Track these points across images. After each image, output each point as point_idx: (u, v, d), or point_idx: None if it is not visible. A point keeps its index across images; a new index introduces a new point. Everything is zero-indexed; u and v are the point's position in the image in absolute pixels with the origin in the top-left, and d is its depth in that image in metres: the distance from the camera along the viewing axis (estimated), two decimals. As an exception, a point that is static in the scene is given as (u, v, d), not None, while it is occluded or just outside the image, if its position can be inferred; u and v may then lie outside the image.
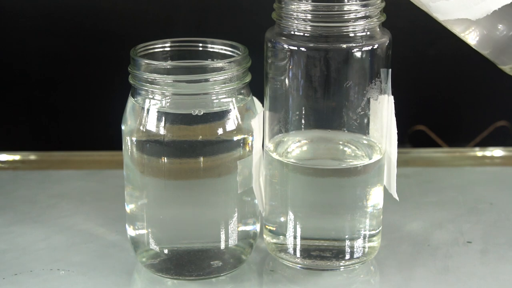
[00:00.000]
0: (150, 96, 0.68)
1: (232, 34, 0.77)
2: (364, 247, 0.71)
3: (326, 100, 0.68)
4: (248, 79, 0.70)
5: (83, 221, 0.82)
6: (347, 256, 0.71)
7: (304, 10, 0.66)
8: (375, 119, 0.69)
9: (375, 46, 0.67)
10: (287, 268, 0.73)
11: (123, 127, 0.70)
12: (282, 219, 0.71)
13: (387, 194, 0.73)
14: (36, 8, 0.99)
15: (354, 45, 0.67)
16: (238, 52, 0.71)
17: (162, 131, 0.67)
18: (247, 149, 0.70)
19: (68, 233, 0.80)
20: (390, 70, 0.69)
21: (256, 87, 0.72)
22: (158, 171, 0.68)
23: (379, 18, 0.68)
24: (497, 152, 1.00)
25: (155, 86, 0.67)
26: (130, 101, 0.70)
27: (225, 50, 0.72)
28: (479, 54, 1.04)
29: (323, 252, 0.71)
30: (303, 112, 0.69)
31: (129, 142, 0.70)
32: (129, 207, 0.72)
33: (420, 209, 0.85)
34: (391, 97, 0.70)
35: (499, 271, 0.73)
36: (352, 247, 0.71)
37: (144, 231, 0.71)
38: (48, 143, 1.04)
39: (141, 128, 0.68)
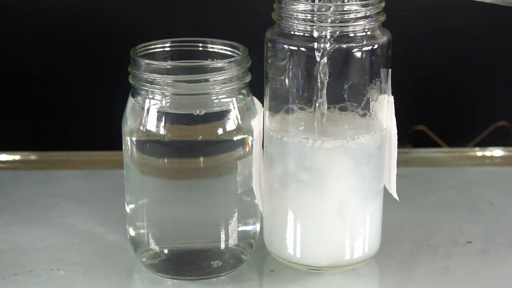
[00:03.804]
0: (150, 96, 0.68)
1: (232, 34, 0.77)
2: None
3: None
4: (248, 79, 0.70)
5: (83, 221, 0.82)
6: None
7: (304, 10, 0.66)
8: (375, 119, 0.69)
9: (375, 46, 0.67)
10: (287, 268, 0.73)
11: (123, 127, 0.70)
12: None
13: (387, 194, 0.73)
14: (36, 8, 0.99)
15: (354, 45, 0.67)
16: (238, 52, 0.71)
17: (162, 131, 0.67)
18: (247, 149, 0.70)
19: (68, 233, 0.80)
20: (390, 70, 0.69)
21: (256, 87, 0.72)
22: (158, 171, 0.68)
23: (379, 18, 0.68)
24: (497, 152, 1.00)
25: (155, 86, 0.67)
26: (130, 101, 0.70)
27: (225, 50, 0.72)
28: (479, 54, 1.04)
29: None
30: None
31: (129, 142, 0.70)
32: (129, 207, 0.72)
33: (420, 209, 0.85)
34: (391, 97, 0.70)
35: (499, 271, 0.73)
36: None
37: (144, 231, 0.71)
38: (48, 143, 1.04)
39: (141, 128, 0.68)
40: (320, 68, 0.67)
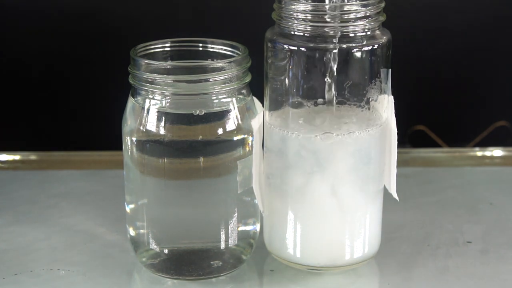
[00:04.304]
0: (150, 96, 0.68)
1: (232, 34, 0.77)
2: None
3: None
4: (248, 79, 0.70)
5: (83, 221, 0.82)
6: None
7: (304, 10, 0.66)
8: (374, 114, 0.69)
9: (375, 46, 0.67)
10: (287, 268, 0.73)
11: (123, 127, 0.70)
12: None
13: (387, 194, 0.73)
14: (36, 8, 0.99)
15: (354, 45, 0.67)
16: (238, 52, 0.71)
17: (162, 131, 0.67)
18: (247, 149, 0.70)
19: (68, 233, 0.80)
20: (390, 70, 0.69)
21: (256, 87, 0.72)
22: (158, 171, 0.68)
23: (379, 18, 0.68)
24: (497, 152, 1.00)
25: (155, 86, 0.67)
26: (130, 101, 0.70)
27: (225, 50, 0.72)
28: (479, 54, 1.04)
29: None
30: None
31: (129, 142, 0.70)
32: (129, 207, 0.72)
33: (420, 209, 0.85)
34: (391, 97, 0.70)
35: (499, 271, 0.73)
36: None
37: (144, 231, 0.71)
38: (48, 143, 1.04)
39: (141, 128, 0.68)
40: (321, 68, 0.67)
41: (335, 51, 0.66)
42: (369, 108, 0.69)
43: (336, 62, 0.67)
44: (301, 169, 0.68)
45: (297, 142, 0.68)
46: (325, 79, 0.67)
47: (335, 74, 0.67)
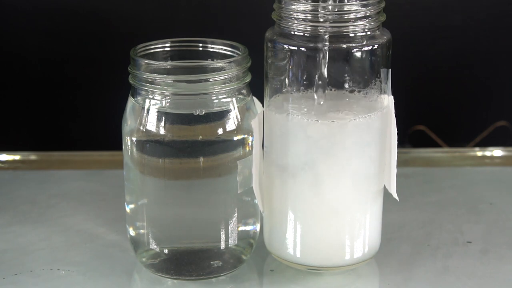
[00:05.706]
0: (150, 96, 0.68)
1: (232, 34, 0.77)
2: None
3: (326, 100, 0.68)
4: (248, 79, 0.70)
5: (83, 221, 0.82)
6: None
7: (304, 10, 0.66)
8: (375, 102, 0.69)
9: (375, 46, 0.67)
10: (287, 268, 0.73)
11: (123, 127, 0.70)
12: None
13: (387, 194, 0.73)
14: (36, 8, 0.99)
15: (354, 45, 0.67)
16: (238, 52, 0.71)
17: (162, 131, 0.67)
18: (247, 149, 0.70)
19: (68, 233, 0.80)
20: (390, 70, 0.69)
21: (256, 87, 0.72)
22: (158, 171, 0.68)
23: (379, 18, 0.68)
24: (497, 152, 1.00)
25: (155, 86, 0.67)
26: (130, 101, 0.70)
27: (225, 50, 0.72)
28: (479, 54, 1.04)
29: None
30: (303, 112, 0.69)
31: (129, 142, 0.70)
32: (129, 207, 0.72)
33: (420, 209, 0.85)
34: (391, 97, 0.70)
35: (499, 271, 0.73)
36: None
37: (144, 231, 0.71)
38: (48, 143, 1.04)
39: (141, 128, 0.68)
40: (320, 68, 0.67)
41: (334, 51, 0.66)
42: (370, 101, 0.68)
43: (336, 62, 0.67)
44: (297, 165, 0.68)
45: (296, 127, 0.68)
46: (325, 79, 0.67)
47: (334, 74, 0.67)
